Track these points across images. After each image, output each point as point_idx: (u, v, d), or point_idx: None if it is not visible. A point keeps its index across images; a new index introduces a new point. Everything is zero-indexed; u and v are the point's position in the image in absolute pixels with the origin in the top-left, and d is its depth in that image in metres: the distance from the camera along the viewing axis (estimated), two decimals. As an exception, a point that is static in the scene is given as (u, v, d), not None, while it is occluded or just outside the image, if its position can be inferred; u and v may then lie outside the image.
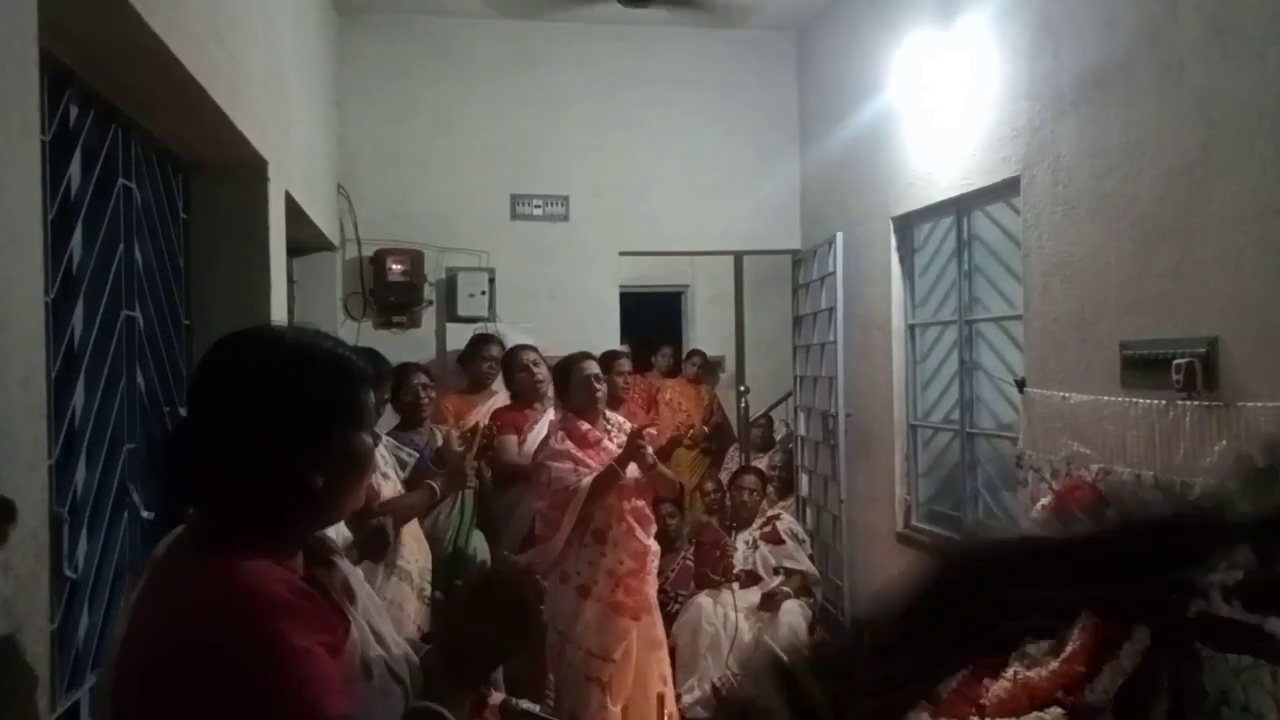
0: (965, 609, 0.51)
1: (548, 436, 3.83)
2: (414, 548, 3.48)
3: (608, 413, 3.91)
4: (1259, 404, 2.58)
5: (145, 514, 2.51)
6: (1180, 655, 2.83)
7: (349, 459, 1.11)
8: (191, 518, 1.12)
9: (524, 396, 4.49)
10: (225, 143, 2.77)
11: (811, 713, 0.55)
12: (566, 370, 3.82)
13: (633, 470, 3.63)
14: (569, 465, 3.63)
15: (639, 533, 3.69)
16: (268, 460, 1.06)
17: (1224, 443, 2.69)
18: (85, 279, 2.20)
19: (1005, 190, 3.84)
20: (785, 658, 0.57)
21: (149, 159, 2.66)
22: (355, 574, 1.22)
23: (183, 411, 1.21)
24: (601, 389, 3.77)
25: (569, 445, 3.67)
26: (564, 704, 3.59)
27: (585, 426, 3.72)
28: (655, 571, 3.87)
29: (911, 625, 0.51)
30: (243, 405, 1.07)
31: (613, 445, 3.72)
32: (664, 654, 3.89)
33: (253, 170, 3.05)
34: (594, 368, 3.78)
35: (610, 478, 3.56)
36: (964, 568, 0.53)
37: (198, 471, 1.08)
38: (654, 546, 3.81)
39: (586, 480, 3.58)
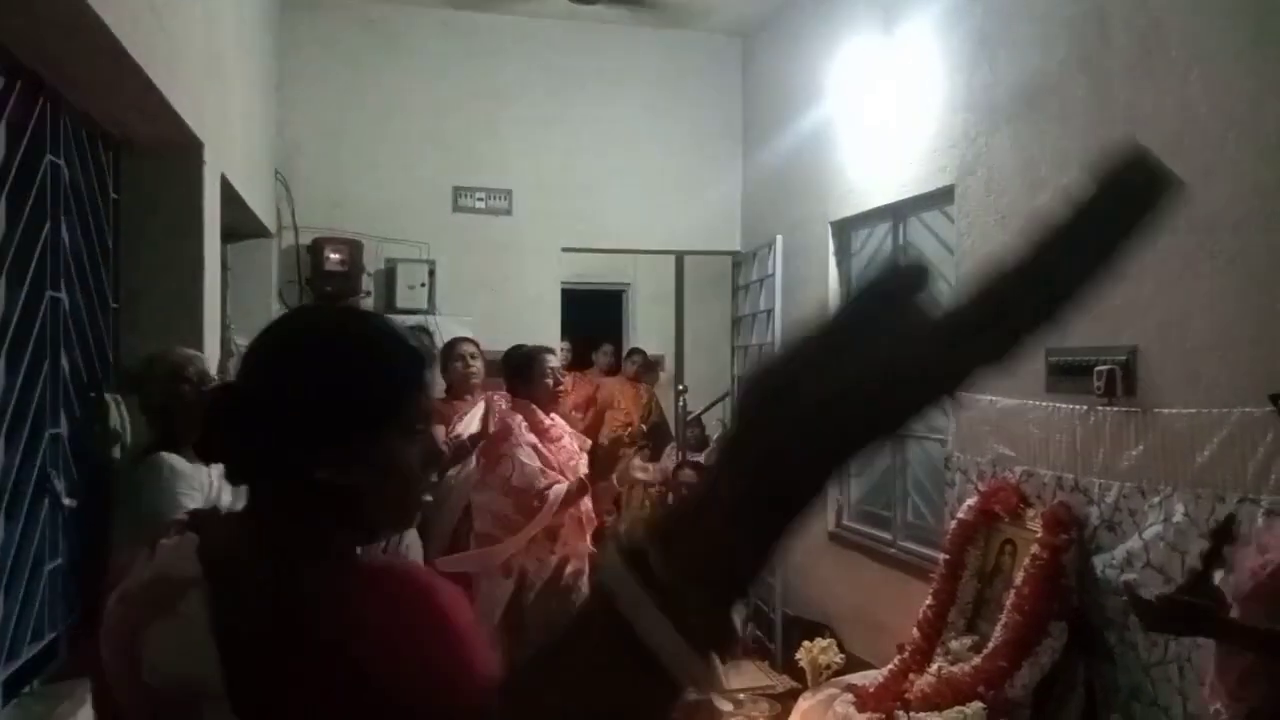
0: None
1: (505, 425, 3.70)
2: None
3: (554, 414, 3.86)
4: (1173, 410, 2.69)
5: (67, 501, 2.44)
6: (1095, 653, 2.93)
7: (378, 467, 0.99)
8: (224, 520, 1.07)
9: (455, 388, 4.46)
10: (160, 122, 2.70)
11: None
12: (528, 360, 3.74)
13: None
14: (537, 465, 3.53)
15: (590, 531, 3.71)
16: (282, 460, 0.98)
17: (1141, 447, 2.80)
18: (8, 257, 2.14)
19: (940, 199, 3.94)
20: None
21: (78, 136, 2.58)
22: None
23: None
24: (563, 384, 3.77)
25: (534, 438, 3.60)
26: None
27: (546, 420, 3.66)
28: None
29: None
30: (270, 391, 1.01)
31: (569, 444, 3.71)
32: None
33: (188, 151, 2.97)
34: (555, 360, 3.77)
35: (581, 493, 3.56)
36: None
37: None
38: (593, 549, 3.80)
39: (559, 489, 3.51)
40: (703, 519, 0.47)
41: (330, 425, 0.98)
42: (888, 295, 0.45)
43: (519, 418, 3.64)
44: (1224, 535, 1.89)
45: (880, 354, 0.43)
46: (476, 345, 4.58)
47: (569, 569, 3.63)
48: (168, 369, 2.43)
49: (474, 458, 3.90)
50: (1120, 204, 0.41)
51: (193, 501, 2.21)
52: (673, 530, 0.48)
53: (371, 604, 0.94)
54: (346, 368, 1.01)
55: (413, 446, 1.02)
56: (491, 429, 3.88)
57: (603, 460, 3.73)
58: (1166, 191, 0.41)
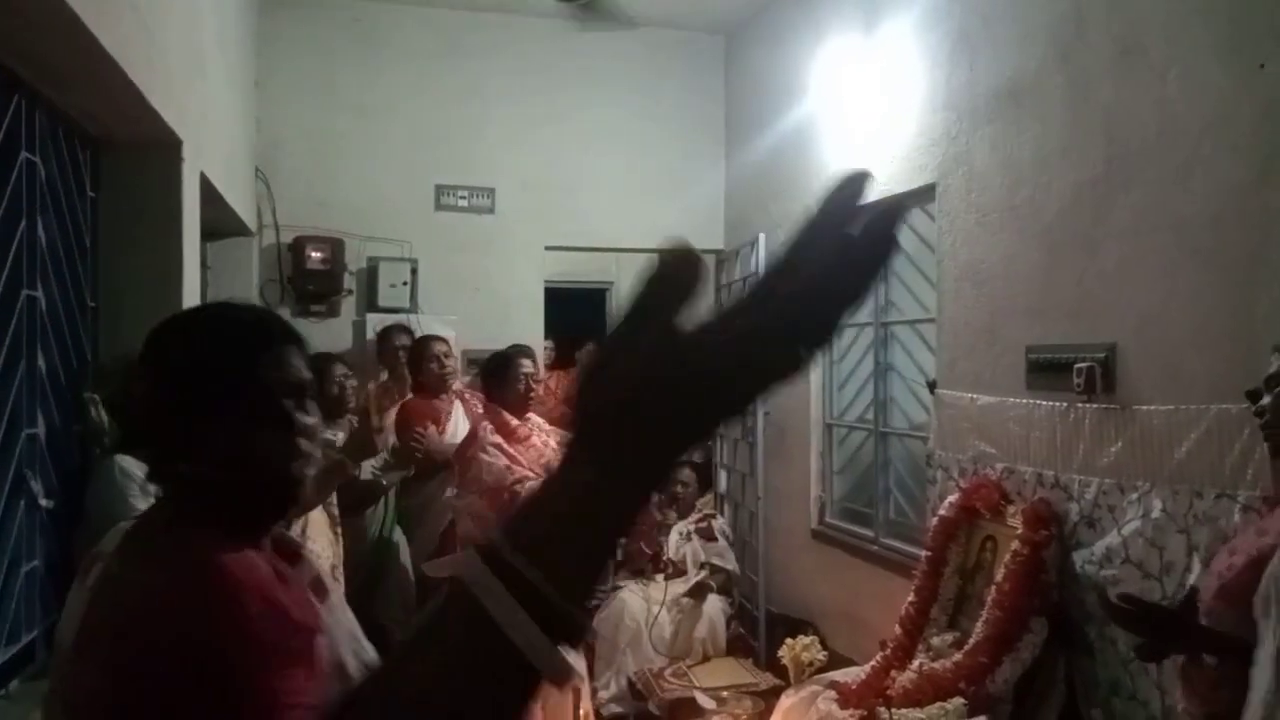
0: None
1: (473, 430, 3.76)
2: (324, 542, 3.41)
3: (530, 415, 3.80)
4: (1151, 407, 2.71)
5: (43, 502, 2.41)
6: (1076, 648, 2.96)
7: (224, 456, 1.02)
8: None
9: (429, 387, 4.44)
10: (139, 120, 2.68)
11: None
12: (504, 363, 3.72)
13: None
14: (503, 461, 3.53)
15: None
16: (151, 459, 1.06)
17: (1120, 443, 2.83)
18: (-16, 255, 2.11)
19: (921, 197, 3.95)
20: None
21: (55, 133, 2.55)
22: (325, 569, 1.19)
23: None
24: (536, 388, 3.72)
25: (500, 439, 3.58)
26: None
27: (514, 421, 3.64)
28: None
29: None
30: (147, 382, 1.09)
31: (538, 442, 3.69)
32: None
33: (167, 150, 2.95)
34: (529, 366, 3.72)
35: None
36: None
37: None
38: None
39: (530, 484, 3.45)
40: (548, 506, 0.50)
41: (166, 420, 1.04)
42: (671, 286, 0.50)
43: (485, 423, 3.65)
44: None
45: (692, 339, 0.48)
46: (448, 344, 4.55)
47: None
48: (123, 368, 2.38)
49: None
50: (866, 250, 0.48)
51: (144, 503, 2.18)
52: (521, 519, 0.50)
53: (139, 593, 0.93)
54: (168, 363, 1.08)
55: (265, 431, 1.03)
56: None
57: None
58: (892, 249, 0.48)
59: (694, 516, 5.29)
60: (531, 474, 3.52)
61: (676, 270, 0.49)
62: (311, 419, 1.09)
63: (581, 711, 3.73)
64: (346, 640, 1.10)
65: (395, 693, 0.50)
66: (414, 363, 4.53)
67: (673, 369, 0.48)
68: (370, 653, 1.13)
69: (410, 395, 4.52)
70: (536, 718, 3.44)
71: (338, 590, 1.19)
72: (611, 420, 0.49)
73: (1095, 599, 2.88)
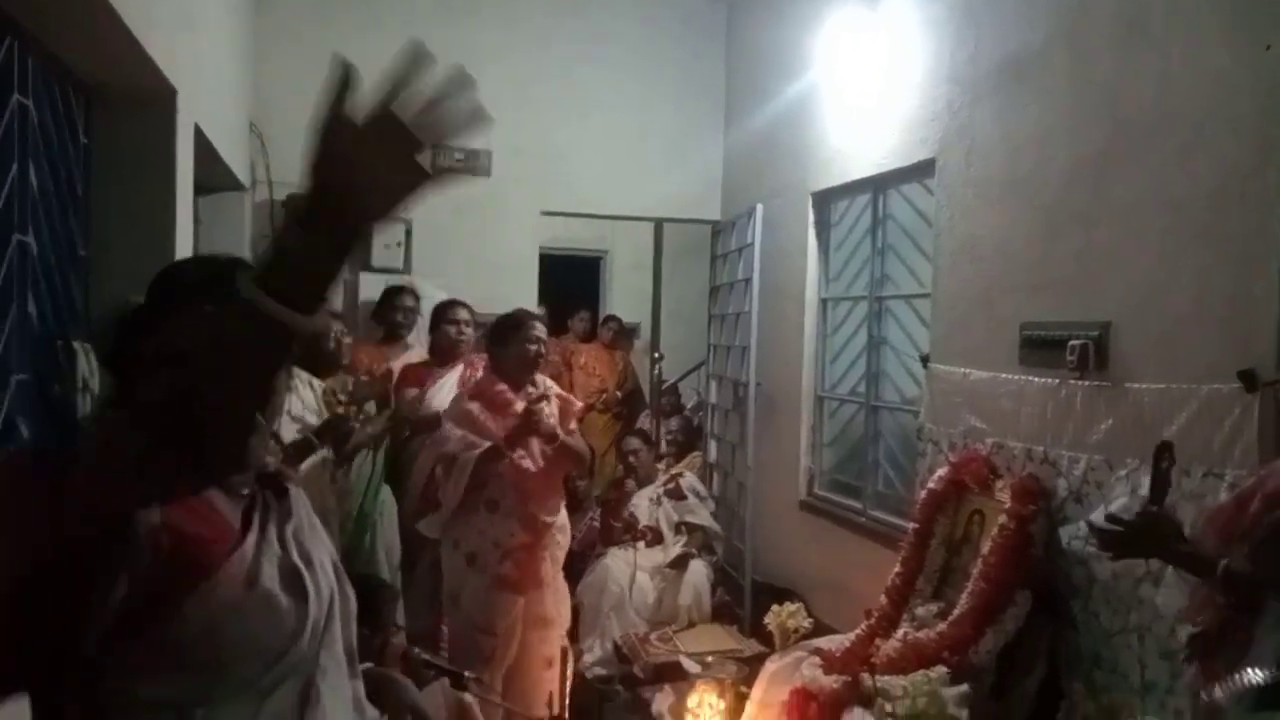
0: None
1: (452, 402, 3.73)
2: (315, 490, 3.42)
3: (539, 377, 3.70)
4: (1143, 385, 2.73)
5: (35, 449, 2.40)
6: (1059, 621, 2.99)
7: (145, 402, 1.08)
8: None
9: (441, 354, 4.42)
10: (133, 67, 2.64)
11: None
12: (508, 330, 3.60)
13: (535, 448, 3.50)
14: (459, 433, 3.47)
15: (536, 505, 3.51)
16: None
17: (1110, 421, 2.84)
18: (-25, 198, 2.09)
19: (920, 171, 3.94)
20: None
21: (47, 78, 2.51)
22: (301, 500, 1.25)
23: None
24: (540, 358, 3.60)
25: (472, 406, 3.53)
26: (454, 663, 3.52)
27: (500, 388, 3.55)
28: (559, 546, 3.69)
29: None
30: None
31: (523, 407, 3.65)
32: (554, 633, 3.65)
33: (161, 99, 2.91)
34: (540, 330, 3.61)
35: (493, 457, 3.42)
36: None
37: None
38: (558, 520, 3.64)
39: (470, 454, 3.42)
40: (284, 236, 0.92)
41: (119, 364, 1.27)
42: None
43: (463, 391, 3.66)
44: (1160, 456, 1.96)
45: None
46: (470, 312, 4.52)
47: (515, 542, 3.48)
48: (109, 319, 2.34)
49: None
50: None
51: None
52: (271, 249, 0.92)
53: None
54: (141, 307, 1.26)
55: (155, 379, 1.09)
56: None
57: (526, 424, 3.47)
58: None
59: (661, 479, 5.33)
60: (483, 444, 3.43)
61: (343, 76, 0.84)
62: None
63: (568, 673, 3.76)
64: (277, 556, 1.14)
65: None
66: (431, 323, 4.52)
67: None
68: (322, 576, 1.20)
69: (412, 359, 4.53)
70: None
71: (306, 516, 1.25)
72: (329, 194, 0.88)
73: (1082, 573, 2.91)
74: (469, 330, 4.42)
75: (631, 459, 5.38)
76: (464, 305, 4.53)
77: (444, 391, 4.18)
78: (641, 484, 5.30)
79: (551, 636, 3.64)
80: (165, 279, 1.28)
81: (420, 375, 4.34)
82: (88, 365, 2.62)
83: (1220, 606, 1.80)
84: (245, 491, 1.18)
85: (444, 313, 4.47)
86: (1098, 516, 2.32)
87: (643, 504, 5.16)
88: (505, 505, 3.50)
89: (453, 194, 5.49)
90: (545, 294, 5.99)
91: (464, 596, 3.52)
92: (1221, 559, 1.78)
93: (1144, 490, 2.68)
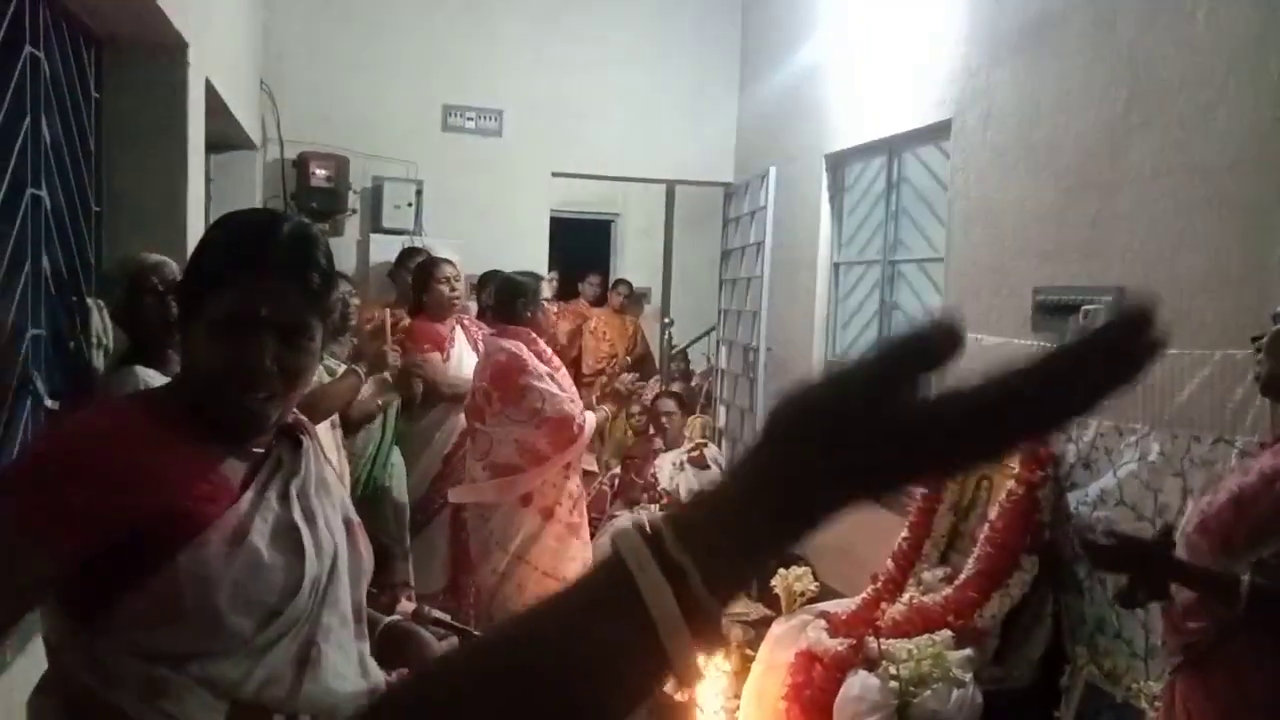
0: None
1: (508, 359, 3.63)
2: (334, 459, 3.43)
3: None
4: (1157, 352, 2.70)
5: (48, 402, 2.42)
6: (1064, 586, 3.00)
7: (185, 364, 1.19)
8: None
9: (435, 310, 4.39)
10: (143, 18, 2.62)
11: None
12: (523, 288, 3.71)
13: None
14: (564, 395, 3.61)
15: (588, 458, 3.81)
16: None
17: (1121, 387, 2.83)
18: (-12, 149, 2.09)
19: (936, 133, 3.90)
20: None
21: (59, 28, 2.50)
22: (312, 455, 1.25)
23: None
24: (548, 316, 3.80)
25: (545, 367, 3.64)
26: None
27: (546, 349, 3.73)
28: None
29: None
30: None
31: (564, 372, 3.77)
32: None
33: (172, 51, 2.89)
34: (547, 292, 3.83)
35: (603, 423, 3.69)
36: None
37: None
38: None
39: (591, 418, 3.71)
40: (717, 513, 0.49)
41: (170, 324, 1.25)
42: (923, 351, 0.47)
43: (521, 345, 3.61)
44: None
45: (916, 408, 0.47)
46: (456, 267, 4.51)
47: (578, 491, 3.76)
48: (127, 276, 2.33)
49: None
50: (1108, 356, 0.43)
51: None
52: (687, 516, 0.49)
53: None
54: (189, 263, 1.19)
55: (217, 345, 1.11)
56: (480, 361, 3.83)
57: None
58: (1151, 354, 0.43)
59: (686, 446, 5.32)
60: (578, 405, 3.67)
61: (936, 338, 0.48)
62: (293, 356, 1.13)
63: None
64: (274, 512, 1.15)
65: (528, 630, 0.50)
66: (420, 283, 4.48)
67: (887, 424, 0.47)
68: (324, 531, 1.20)
69: (406, 318, 4.49)
70: None
71: (315, 470, 1.25)
72: (811, 455, 0.47)
73: (1079, 543, 2.91)
74: (460, 285, 4.40)
75: (664, 420, 5.35)
76: (449, 261, 4.49)
77: (467, 357, 4.13)
78: (669, 446, 5.30)
79: None
80: (229, 233, 1.19)
81: (434, 335, 4.27)
82: (101, 321, 2.63)
83: (1221, 618, 1.72)
84: (259, 450, 1.18)
85: (433, 270, 4.41)
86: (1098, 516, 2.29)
87: (666, 466, 5.17)
88: (575, 464, 3.74)
89: (465, 153, 5.50)
90: (556, 257, 5.97)
91: (534, 551, 3.62)
92: (1232, 574, 1.70)
93: (1152, 455, 2.68)
